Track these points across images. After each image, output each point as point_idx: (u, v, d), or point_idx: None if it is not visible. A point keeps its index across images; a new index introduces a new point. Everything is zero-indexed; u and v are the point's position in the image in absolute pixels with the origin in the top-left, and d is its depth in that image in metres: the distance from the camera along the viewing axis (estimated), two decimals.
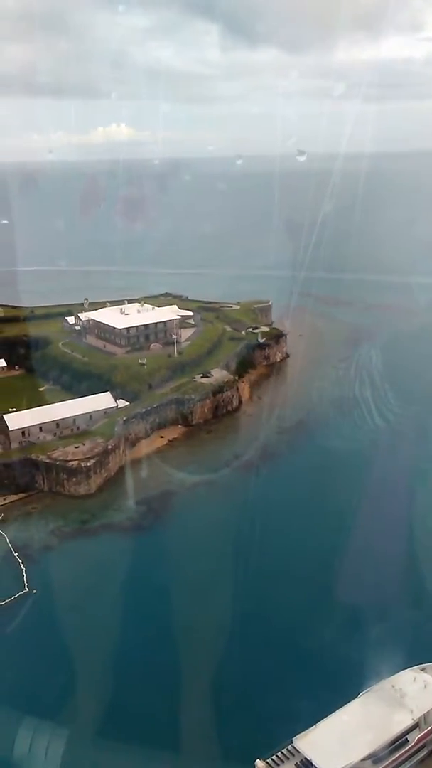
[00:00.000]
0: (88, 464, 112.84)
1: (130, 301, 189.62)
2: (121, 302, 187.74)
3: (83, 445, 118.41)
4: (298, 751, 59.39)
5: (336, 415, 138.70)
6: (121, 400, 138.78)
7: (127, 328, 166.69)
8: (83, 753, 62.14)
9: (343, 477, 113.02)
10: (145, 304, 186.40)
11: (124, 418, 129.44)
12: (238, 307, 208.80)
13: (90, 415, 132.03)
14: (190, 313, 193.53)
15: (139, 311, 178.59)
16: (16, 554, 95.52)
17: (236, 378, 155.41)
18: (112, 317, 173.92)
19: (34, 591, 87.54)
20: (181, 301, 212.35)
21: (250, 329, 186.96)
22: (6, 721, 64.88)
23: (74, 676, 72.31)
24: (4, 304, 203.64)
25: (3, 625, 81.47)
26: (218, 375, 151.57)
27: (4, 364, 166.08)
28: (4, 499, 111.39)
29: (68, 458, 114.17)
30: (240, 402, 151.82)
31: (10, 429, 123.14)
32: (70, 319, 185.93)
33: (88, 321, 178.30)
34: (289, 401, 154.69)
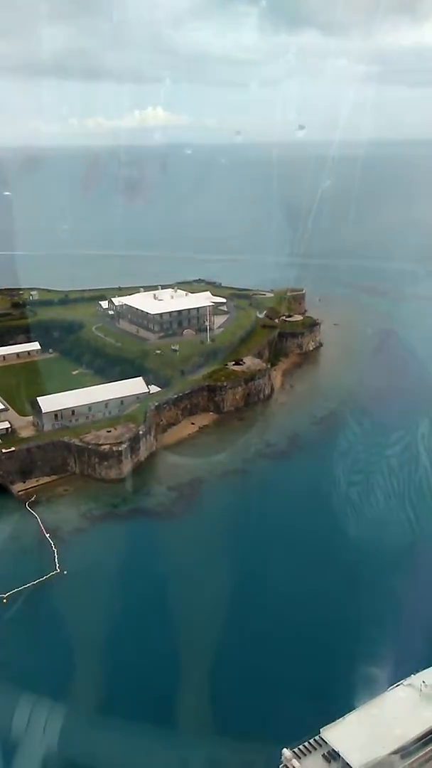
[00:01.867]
0: (120, 449, 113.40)
1: (164, 287, 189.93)
2: (154, 288, 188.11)
3: (115, 429, 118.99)
4: (326, 742, 59.07)
5: (370, 406, 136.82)
6: (153, 385, 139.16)
7: (160, 314, 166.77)
8: (113, 734, 62.59)
9: (377, 470, 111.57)
10: (179, 290, 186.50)
11: (156, 404, 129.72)
12: (272, 295, 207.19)
13: (122, 400, 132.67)
14: (223, 300, 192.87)
15: (172, 297, 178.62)
16: (47, 535, 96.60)
17: (268, 366, 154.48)
18: (145, 302, 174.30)
19: (65, 572, 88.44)
20: (214, 287, 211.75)
21: (284, 317, 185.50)
22: (32, 699, 65.77)
23: (102, 655, 72.96)
24: (39, 287, 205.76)
25: (34, 605, 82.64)
26: (250, 363, 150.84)
27: (39, 347, 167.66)
28: (37, 481, 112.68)
29: (100, 442, 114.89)
30: (272, 390, 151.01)
31: (43, 411, 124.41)
32: (104, 304, 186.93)
33: (121, 306, 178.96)
34: (322, 391, 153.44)
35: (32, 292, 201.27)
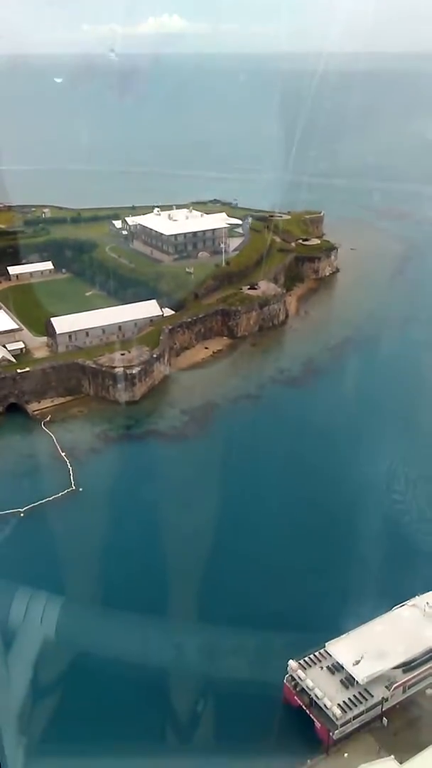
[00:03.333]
0: (134, 372, 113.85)
1: (179, 207, 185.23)
2: (169, 207, 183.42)
3: (129, 352, 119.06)
4: (330, 655, 62.06)
5: (386, 334, 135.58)
6: (166, 308, 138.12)
7: (175, 235, 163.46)
8: (116, 626, 65.37)
9: (390, 397, 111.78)
10: (194, 211, 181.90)
11: (170, 327, 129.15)
12: (289, 218, 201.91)
13: (135, 323, 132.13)
14: (239, 222, 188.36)
15: (187, 218, 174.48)
16: (63, 454, 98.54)
17: (284, 291, 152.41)
18: (159, 223, 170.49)
19: (80, 489, 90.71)
20: (230, 208, 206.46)
21: (300, 241, 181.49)
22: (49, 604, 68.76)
23: (112, 561, 75.75)
24: (51, 204, 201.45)
25: (50, 519, 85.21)
26: (265, 287, 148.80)
27: (51, 266, 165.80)
28: (52, 401, 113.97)
29: (114, 364, 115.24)
30: (287, 316, 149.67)
31: (57, 332, 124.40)
32: (117, 223, 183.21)
33: (135, 226, 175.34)
34: (338, 317, 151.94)
35: (44, 210, 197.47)
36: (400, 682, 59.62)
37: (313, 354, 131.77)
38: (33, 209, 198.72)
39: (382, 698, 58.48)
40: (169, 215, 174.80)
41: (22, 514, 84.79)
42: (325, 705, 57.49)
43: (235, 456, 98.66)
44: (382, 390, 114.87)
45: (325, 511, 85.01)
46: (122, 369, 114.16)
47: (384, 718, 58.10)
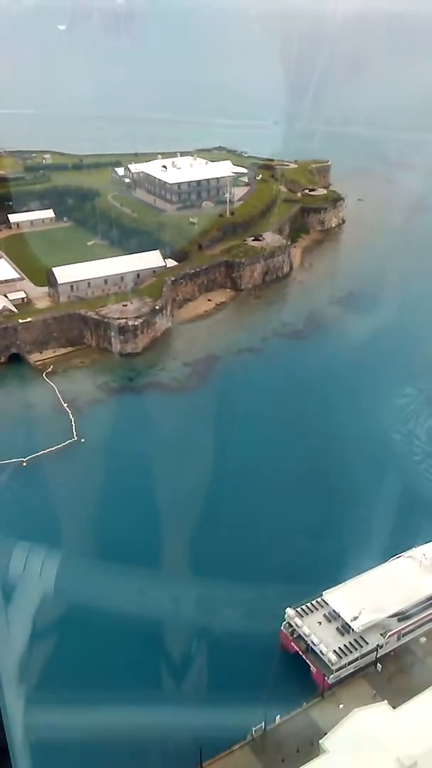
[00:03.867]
0: (136, 323, 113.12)
1: (183, 154, 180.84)
2: (173, 155, 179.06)
3: (131, 303, 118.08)
4: (327, 604, 63.37)
5: (391, 288, 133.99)
6: (169, 259, 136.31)
7: (179, 184, 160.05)
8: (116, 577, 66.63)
9: (393, 352, 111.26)
10: (198, 158, 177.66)
11: (173, 279, 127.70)
12: (296, 166, 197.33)
13: (138, 274, 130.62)
14: (245, 171, 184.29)
15: (191, 165, 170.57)
16: (65, 405, 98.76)
17: (288, 243, 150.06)
18: (162, 171, 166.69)
19: (82, 440, 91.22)
20: (235, 156, 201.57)
21: (307, 191, 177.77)
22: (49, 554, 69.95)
23: (116, 516, 76.80)
24: (52, 150, 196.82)
25: (52, 469, 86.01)
26: (270, 239, 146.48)
27: (53, 215, 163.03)
28: (53, 352, 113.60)
29: (116, 316, 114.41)
30: (291, 268, 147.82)
31: (59, 282, 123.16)
32: (120, 171, 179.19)
33: (138, 173, 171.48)
34: (342, 270, 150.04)
35: (45, 156, 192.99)
36: (394, 631, 61.02)
37: (317, 307, 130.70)
38: (34, 155, 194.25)
39: (377, 645, 59.95)
40: (173, 163, 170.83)
41: (24, 464, 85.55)
42: (321, 651, 58.99)
43: (236, 408, 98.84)
44: (385, 344, 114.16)
45: (324, 463, 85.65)
46: (124, 320, 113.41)
47: (378, 665, 59.66)
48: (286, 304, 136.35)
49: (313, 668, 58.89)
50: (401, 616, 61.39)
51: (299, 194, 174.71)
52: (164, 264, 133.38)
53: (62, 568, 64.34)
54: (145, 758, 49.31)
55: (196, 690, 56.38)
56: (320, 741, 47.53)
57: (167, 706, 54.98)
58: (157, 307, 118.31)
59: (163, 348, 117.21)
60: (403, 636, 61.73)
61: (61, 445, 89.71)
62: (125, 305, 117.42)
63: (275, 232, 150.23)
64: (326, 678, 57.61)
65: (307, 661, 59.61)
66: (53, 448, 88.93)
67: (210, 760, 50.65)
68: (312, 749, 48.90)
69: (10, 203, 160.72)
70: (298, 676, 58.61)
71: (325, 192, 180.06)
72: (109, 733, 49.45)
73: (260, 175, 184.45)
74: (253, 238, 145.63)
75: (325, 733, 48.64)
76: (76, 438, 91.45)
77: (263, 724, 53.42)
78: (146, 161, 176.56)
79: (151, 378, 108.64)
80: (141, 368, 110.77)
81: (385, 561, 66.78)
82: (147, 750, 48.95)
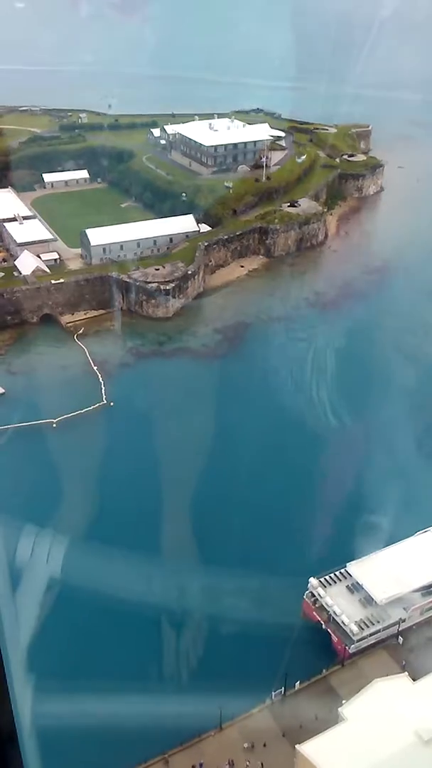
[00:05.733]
0: (168, 288, 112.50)
1: (220, 116, 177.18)
2: (209, 116, 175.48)
3: (163, 267, 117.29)
4: (351, 575, 63.51)
5: (428, 260, 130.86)
6: (202, 224, 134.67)
7: (215, 146, 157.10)
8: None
9: (429, 325, 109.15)
10: (236, 120, 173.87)
11: (206, 244, 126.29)
12: (335, 131, 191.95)
13: (171, 238, 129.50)
14: (282, 134, 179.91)
15: (228, 128, 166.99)
16: (95, 367, 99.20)
17: (324, 210, 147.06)
18: (199, 132, 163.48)
19: (111, 403, 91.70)
20: (273, 119, 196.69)
21: (345, 156, 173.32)
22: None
23: (142, 477, 77.48)
24: (88, 109, 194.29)
25: (82, 431, 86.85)
26: (306, 205, 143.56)
27: (87, 175, 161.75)
28: (85, 314, 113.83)
29: (148, 280, 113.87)
30: (326, 236, 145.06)
31: (92, 244, 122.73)
32: (156, 132, 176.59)
33: (174, 135, 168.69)
34: (379, 240, 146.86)
35: (81, 115, 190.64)
36: (418, 605, 61.01)
37: (351, 277, 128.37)
38: (69, 114, 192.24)
39: (399, 619, 60.05)
40: (210, 124, 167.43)
41: (54, 425, 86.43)
42: (343, 621, 59.31)
43: (266, 376, 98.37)
44: (422, 316, 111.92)
45: (357, 436, 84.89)
46: (156, 284, 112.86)
47: (400, 637, 59.86)
48: (319, 273, 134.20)
49: (334, 638, 59.33)
50: (425, 590, 61.30)
51: (338, 160, 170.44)
52: (197, 228, 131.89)
53: (89, 530, 65.25)
54: (164, 722, 49.90)
55: (218, 656, 57.14)
56: (339, 709, 48.05)
57: (188, 670, 55.83)
58: (189, 272, 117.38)
59: (194, 313, 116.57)
60: (426, 611, 61.72)
61: (90, 408, 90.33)
62: (157, 269, 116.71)
63: (311, 199, 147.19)
64: (347, 648, 58.03)
65: (329, 630, 60.03)
66: (82, 411, 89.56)
67: (230, 721, 51.67)
68: (330, 716, 49.50)
69: (46, 163, 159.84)
70: (319, 645, 59.15)
71: (365, 158, 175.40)
72: (131, 702, 49.73)
73: (299, 139, 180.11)
74: (288, 204, 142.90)
75: (344, 702, 49.15)
76: (105, 401, 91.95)
77: (283, 689, 54.19)
78: (183, 122, 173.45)
79: (181, 343, 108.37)
80: (171, 333, 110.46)
81: (412, 535, 66.53)
82: (167, 714, 49.74)
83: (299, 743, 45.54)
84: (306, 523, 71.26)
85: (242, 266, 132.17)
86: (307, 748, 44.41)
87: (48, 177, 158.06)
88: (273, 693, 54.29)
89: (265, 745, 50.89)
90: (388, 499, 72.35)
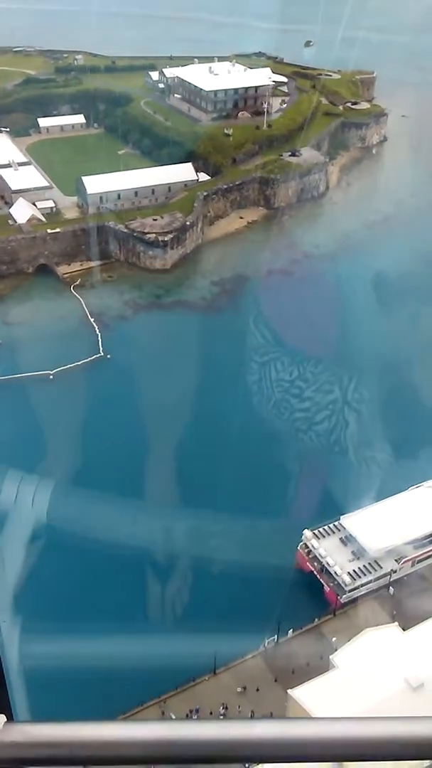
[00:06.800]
0: (166, 239, 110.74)
1: (220, 59, 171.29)
2: (210, 60, 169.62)
3: (161, 218, 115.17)
4: (344, 528, 64.55)
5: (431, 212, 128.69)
6: (202, 173, 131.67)
7: (215, 91, 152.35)
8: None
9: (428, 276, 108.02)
10: (237, 64, 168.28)
11: (204, 194, 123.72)
12: (338, 77, 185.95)
13: (169, 187, 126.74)
14: (284, 80, 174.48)
15: (229, 72, 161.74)
16: (92, 319, 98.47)
17: (326, 160, 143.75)
18: (199, 76, 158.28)
19: (108, 356, 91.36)
20: (275, 63, 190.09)
21: (349, 104, 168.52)
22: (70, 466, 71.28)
23: (139, 432, 77.59)
24: (84, 51, 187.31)
25: (79, 383, 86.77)
26: (307, 155, 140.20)
27: (83, 120, 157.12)
28: (81, 265, 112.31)
29: (146, 230, 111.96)
30: (327, 187, 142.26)
31: (88, 192, 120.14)
32: (154, 75, 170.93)
33: (173, 78, 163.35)
34: (380, 192, 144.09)
35: (77, 56, 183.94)
36: (409, 557, 62.20)
37: (351, 230, 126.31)
38: (65, 55, 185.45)
39: (391, 570, 61.34)
40: (210, 68, 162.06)
41: (51, 377, 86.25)
42: (335, 572, 60.56)
43: (264, 329, 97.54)
44: (423, 269, 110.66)
45: (353, 386, 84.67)
46: (154, 235, 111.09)
47: (391, 588, 61.20)
48: (319, 225, 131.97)
49: (326, 588, 60.64)
50: (417, 543, 62.41)
51: (341, 107, 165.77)
52: (196, 178, 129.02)
53: (83, 479, 65.66)
54: (159, 670, 50.86)
55: (212, 603, 58.30)
56: (330, 657, 49.39)
57: (181, 620, 56.91)
58: (188, 223, 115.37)
59: (192, 266, 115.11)
60: (417, 563, 62.95)
61: (87, 360, 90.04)
62: (155, 219, 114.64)
63: (313, 148, 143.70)
64: (339, 597, 59.39)
65: (321, 580, 61.32)
66: (79, 363, 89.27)
67: (223, 667, 53.17)
68: (321, 664, 50.92)
69: (40, 106, 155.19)
70: (311, 595, 60.48)
71: (368, 106, 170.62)
72: (124, 646, 50.58)
73: (301, 85, 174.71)
74: (289, 153, 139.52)
75: (335, 650, 50.50)
76: (102, 353, 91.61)
77: (276, 636, 55.61)
78: (182, 65, 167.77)
79: (178, 296, 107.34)
80: (169, 285, 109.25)
81: (406, 489, 67.34)
82: (161, 659, 50.85)
83: (291, 689, 46.97)
84: (302, 473, 71.87)
85: (241, 217, 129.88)
86: (299, 693, 45.82)
87: (43, 122, 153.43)
88: (266, 640, 55.76)
89: (257, 690, 52.52)
90: (371, 456, 72.48)
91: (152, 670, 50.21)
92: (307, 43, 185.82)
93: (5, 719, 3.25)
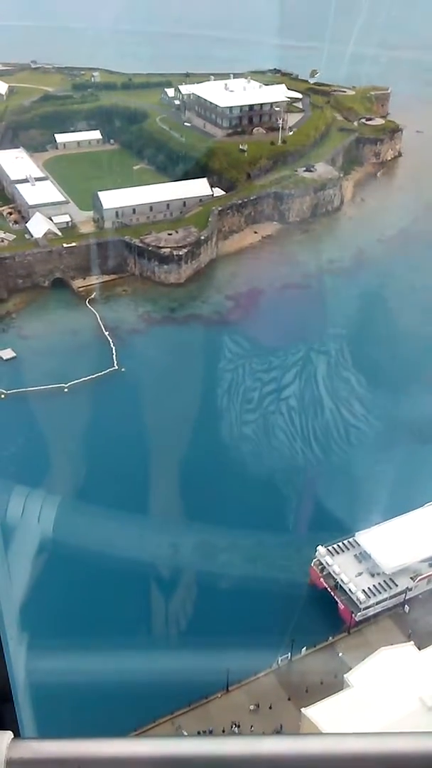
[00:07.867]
0: (180, 253, 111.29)
1: (236, 76, 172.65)
2: (225, 76, 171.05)
3: (176, 232, 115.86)
4: (359, 544, 63.89)
5: None
6: (216, 188, 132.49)
7: (230, 107, 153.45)
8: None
9: None
10: (252, 81, 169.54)
11: (219, 209, 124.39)
12: (353, 93, 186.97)
13: (184, 202, 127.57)
14: (299, 96, 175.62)
15: (245, 89, 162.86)
16: (106, 333, 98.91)
17: (341, 175, 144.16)
18: (214, 93, 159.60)
19: (122, 369, 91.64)
20: (290, 80, 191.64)
21: (363, 120, 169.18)
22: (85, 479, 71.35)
23: (152, 442, 77.65)
24: (101, 68, 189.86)
25: (93, 396, 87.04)
26: (322, 170, 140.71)
27: (99, 136, 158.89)
28: (96, 279, 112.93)
29: (161, 245, 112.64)
30: (341, 202, 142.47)
31: (104, 207, 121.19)
32: (170, 92, 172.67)
33: (188, 95, 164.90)
34: (395, 207, 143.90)
35: (94, 73, 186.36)
36: (425, 575, 61.40)
37: (366, 245, 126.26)
38: (82, 72, 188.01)
39: (406, 588, 60.54)
40: (225, 85, 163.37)
41: (66, 390, 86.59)
42: (350, 589, 59.89)
43: (278, 344, 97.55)
44: None
45: (372, 404, 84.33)
46: (169, 250, 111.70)
47: (406, 606, 60.41)
48: (334, 240, 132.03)
49: (341, 605, 59.96)
50: None
51: (355, 123, 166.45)
52: (211, 193, 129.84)
53: (99, 492, 65.65)
54: (170, 686, 50.31)
55: (226, 621, 57.82)
56: (345, 675, 48.74)
57: (194, 636, 56.38)
58: (203, 238, 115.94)
59: (207, 280, 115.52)
60: None
61: (101, 373, 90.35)
62: (170, 234, 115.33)
63: (328, 163, 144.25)
64: (353, 615, 58.68)
65: (336, 598, 60.65)
66: (94, 376, 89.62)
67: (236, 684, 52.59)
68: (336, 682, 50.26)
69: (57, 123, 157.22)
70: (325, 612, 59.84)
71: (383, 122, 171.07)
72: (134, 666, 50.01)
73: (316, 102, 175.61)
74: (304, 168, 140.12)
75: (350, 668, 49.82)
76: (116, 367, 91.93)
77: (289, 654, 54.98)
78: (198, 83, 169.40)
79: (193, 310, 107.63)
80: (183, 299, 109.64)
81: (422, 506, 66.64)
82: (173, 675, 50.31)
83: (305, 707, 46.35)
84: (318, 489, 71.47)
85: (256, 232, 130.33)
86: (313, 712, 45.22)
87: (60, 137, 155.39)
88: (279, 657, 55.14)
89: (270, 708, 51.88)
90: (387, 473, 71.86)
91: (164, 686, 49.80)
92: (313, 73, 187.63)
93: (12, 736, 3.21)
